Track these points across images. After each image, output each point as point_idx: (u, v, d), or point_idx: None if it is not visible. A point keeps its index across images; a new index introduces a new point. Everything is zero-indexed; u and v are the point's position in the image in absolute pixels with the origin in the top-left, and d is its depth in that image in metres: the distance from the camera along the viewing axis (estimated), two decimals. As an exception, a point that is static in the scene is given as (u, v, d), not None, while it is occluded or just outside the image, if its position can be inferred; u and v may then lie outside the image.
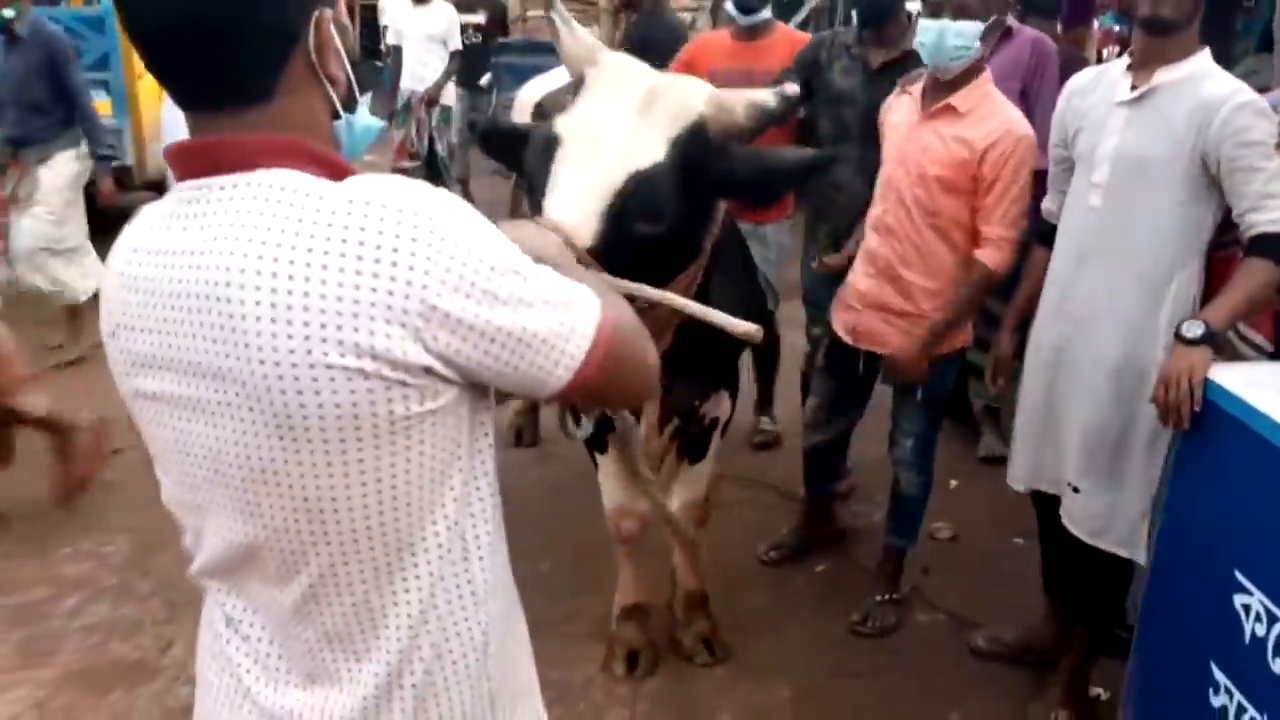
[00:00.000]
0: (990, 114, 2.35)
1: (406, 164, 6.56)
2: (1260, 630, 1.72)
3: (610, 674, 2.57)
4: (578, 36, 1.78)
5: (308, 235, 0.82)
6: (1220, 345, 1.94)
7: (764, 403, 3.94)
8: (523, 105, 3.44)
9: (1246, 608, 1.75)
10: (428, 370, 0.84)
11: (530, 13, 7.51)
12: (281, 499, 0.87)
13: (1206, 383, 1.87)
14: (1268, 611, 1.69)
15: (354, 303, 0.80)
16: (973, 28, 2.28)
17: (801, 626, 2.83)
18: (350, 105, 0.99)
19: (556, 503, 3.32)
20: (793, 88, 1.86)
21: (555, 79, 3.28)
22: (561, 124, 1.63)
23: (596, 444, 2.37)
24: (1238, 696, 1.77)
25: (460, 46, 6.53)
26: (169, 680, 2.53)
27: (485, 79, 8.20)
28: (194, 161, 0.89)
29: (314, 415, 0.82)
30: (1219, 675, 1.82)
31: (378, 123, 1.11)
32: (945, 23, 2.31)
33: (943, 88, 2.38)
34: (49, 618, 2.77)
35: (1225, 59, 3.39)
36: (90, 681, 2.52)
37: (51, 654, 2.62)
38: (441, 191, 0.89)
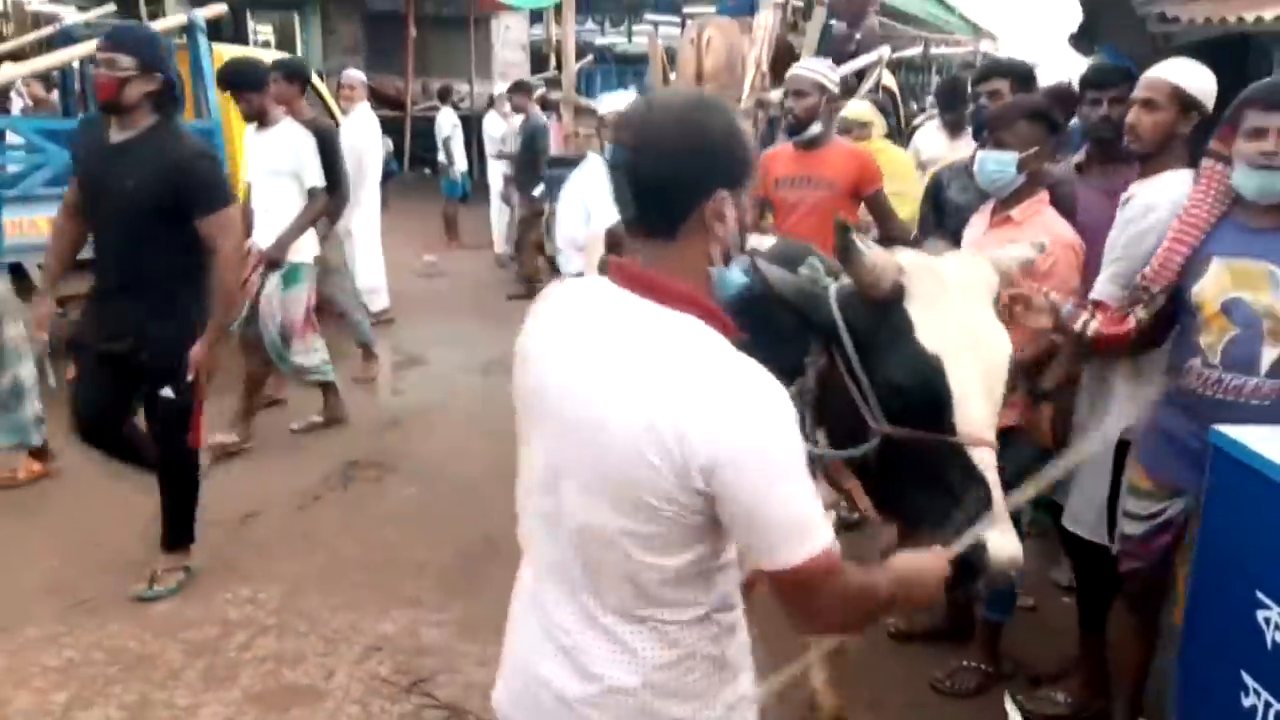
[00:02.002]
0: (1041, 224, 2.79)
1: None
2: (1278, 634, 2.11)
3: None
4: (877, 251, 1.84)
5: (687, 362, 1.23)
6: None
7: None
8: (594, 239, 3.78)
9: (1268, 620, 2.14)
10: (698, 493, 1.22)
11: (581, 130, 7.95)
12: (624, 526, 1.28)
13: (1227, 438, 2.30)
14: (1286, 622, 2.09)
15: (683, 428, 1.18)
16: (1008, 156, 2.80)
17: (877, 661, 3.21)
18: (726, 261, 1.37)
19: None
20: (1042, 239, 2.16)
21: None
22: (929, 340, 1.74)
23: None
24: (1265, 695, 2.14)
25: (321, 182, 4.95)
26: (339, 700, 2.94)
27: (538, 190, 8.71)
28: (627, 279, 1.32)
29: (659, 494, 1.23)
30: (1248, 679, 2.20)
31: (740, 278, 1.50)
32: (987, 151, 2.86)
33: (1004, 204, 2.88)
34: (223, 651, 3.19)
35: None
36: (270, 702, 2.93)
37: (232, 680, 3.03)
38: (782, 394, 1.23)
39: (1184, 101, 2.55)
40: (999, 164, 2.80)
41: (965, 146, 4.42)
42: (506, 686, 1.50)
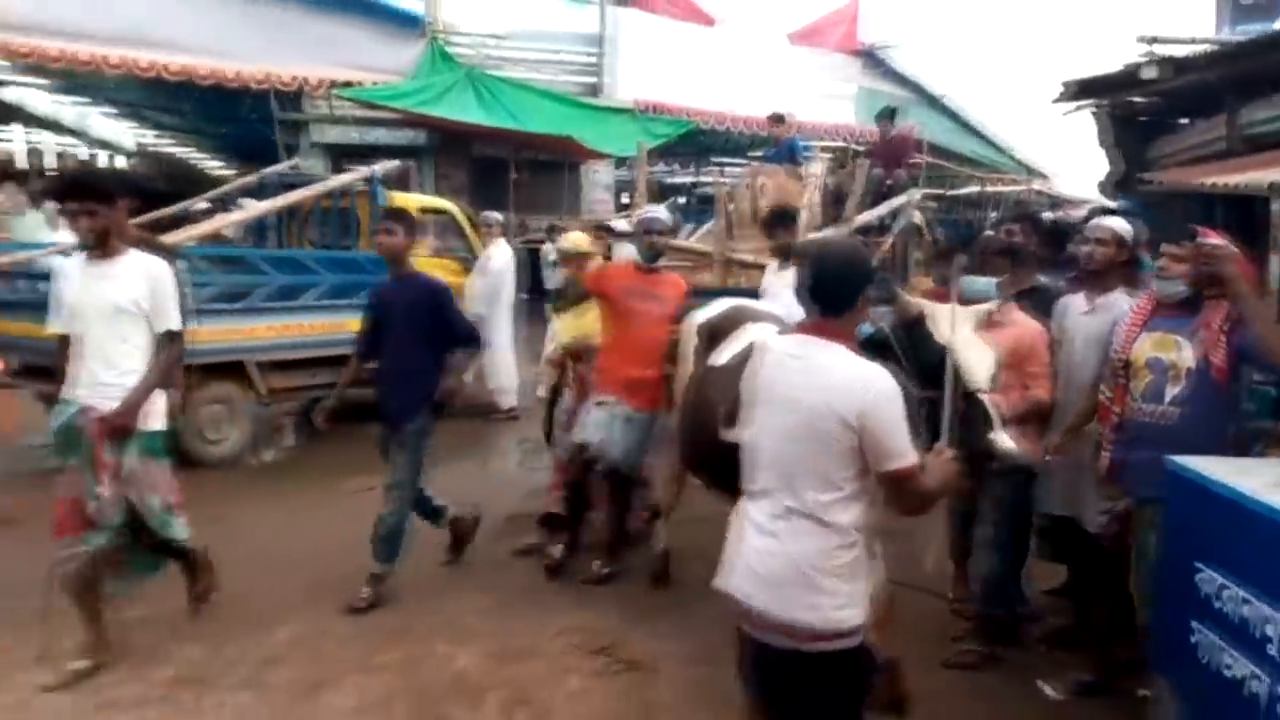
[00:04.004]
0: (1014, 322, 4.06)
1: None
2: (1210, 589, 3.17)
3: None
4: (908, 297, 3.25)
5: (846, 369, 2.47)
6: None
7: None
8: (690, 328, 4.74)
9: (1202, 580, 3.20)
10: (852, 430, 2.41)
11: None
12: (815, 460, 2.50)
13: (1179, 463, 3.40)
14: (1214, 580, 3.15)
15: (845, 403, 2.40)
16: (986, 280, 4.05)
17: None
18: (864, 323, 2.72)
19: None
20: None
21: (714, 309, 4.71)
22: (942, 337, 3.04)
23: None
24: (1204, 633, 3.19)
25: (179, 325, 4.00)
26: (553, 654, 4.17)
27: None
28: (811, 331, 2.59)
29: (827, 427, 2.43)
30: (1194, 623, 3.25)
31: (867, 330, 2.84)
32: (973, 277, 4.10)
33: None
34: (463, 623, 4.44)
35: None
36: (506, 656, 4.15)
37: (474, 638, 4.25)
38: (892, 382, 2.44)
39: (1120, 241, 3.87)
40: (985, 284, 4.04)
41: None
42: (722, 572, 2.63)
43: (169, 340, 3.95)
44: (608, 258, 6.01)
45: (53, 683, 3.77)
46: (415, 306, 4.72)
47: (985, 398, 2.99)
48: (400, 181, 17.09)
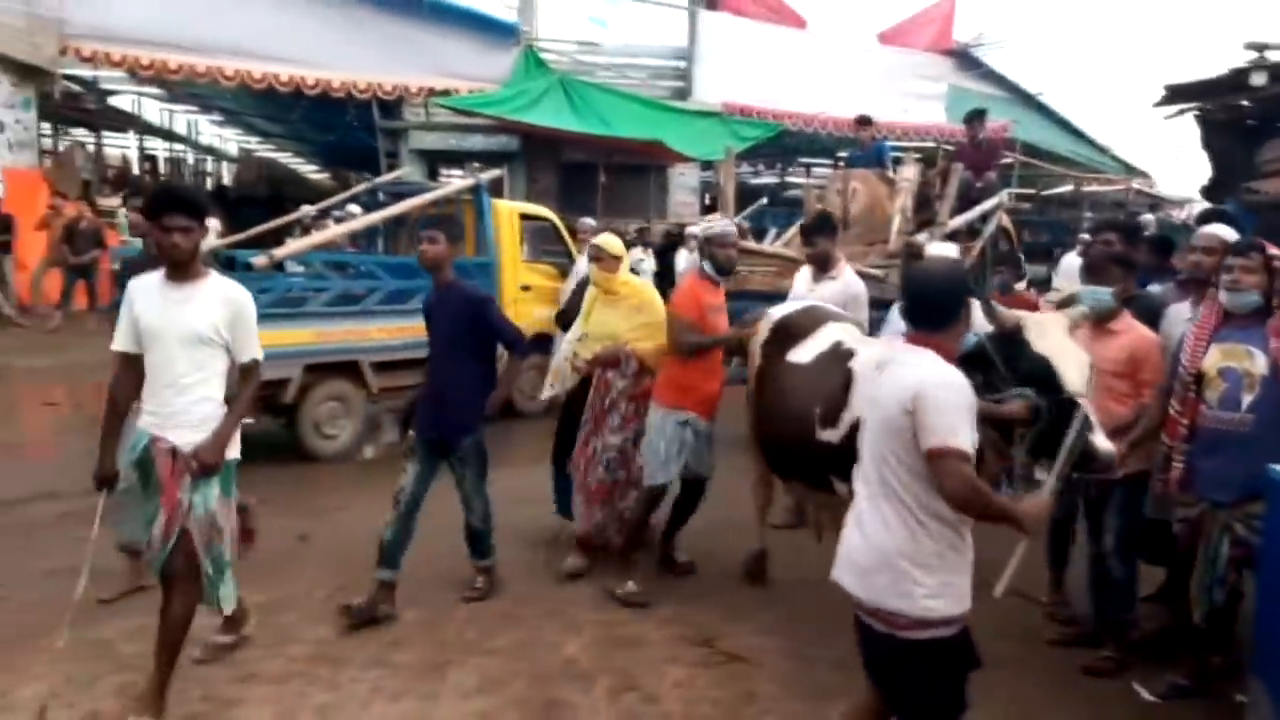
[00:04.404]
0: (1130, 330, 4.13)
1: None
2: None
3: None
4: (1005, 310, 3.31)
5: (919, 368, 2.67)
6: None
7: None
8: (768, 321, 4.93)
9: (1306, 589, 3.27)
10: (909, 414, 2.62)
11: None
12: (890, 448, 2.70)
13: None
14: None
15: (907, 391, 2.61)
16: (1105, 290, 4.12)
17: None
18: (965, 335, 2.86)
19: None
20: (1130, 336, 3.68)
21: (787, 307, 5.01)
22: (1040, 348, 3.16)
23: None
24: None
25: (260, 354, 3.84)
26: (659, 643, 4.39)
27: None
28: (912, 342, 2.79)
29: (894, 416, 2.64)
30: (1296, 629, 3.31)
31: (973, 339, 3.00)
32: (1089, 286, 4.20)
33: (1103, 319, 4.12)
34: (569, 615, 4.69)
35: None
36: (615, 643, 4.41)
37: (582, 629, 4.51)
38: (958, 377, 2.65)
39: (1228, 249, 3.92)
40: (1096, 295, 4.11)
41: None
42: (836, 563, 2.85)
43: (251, 368, 3.83)
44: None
45: (201, 656, 4.13)
46: (456, 317, 4.76)
47: (1082, 401, 3.08)
48: (493, 188, 17.74)
